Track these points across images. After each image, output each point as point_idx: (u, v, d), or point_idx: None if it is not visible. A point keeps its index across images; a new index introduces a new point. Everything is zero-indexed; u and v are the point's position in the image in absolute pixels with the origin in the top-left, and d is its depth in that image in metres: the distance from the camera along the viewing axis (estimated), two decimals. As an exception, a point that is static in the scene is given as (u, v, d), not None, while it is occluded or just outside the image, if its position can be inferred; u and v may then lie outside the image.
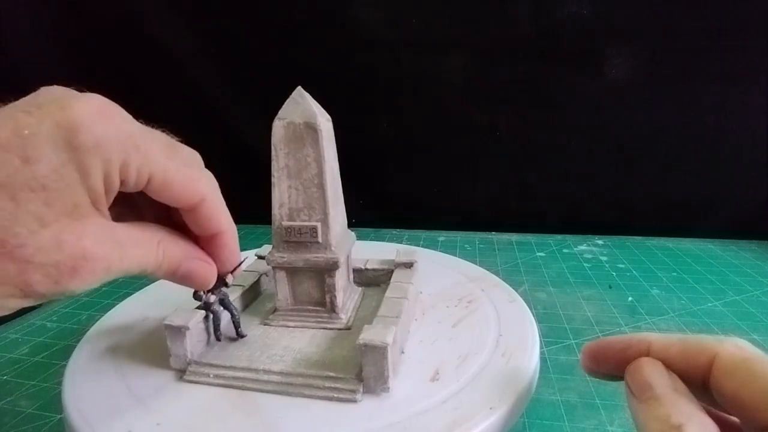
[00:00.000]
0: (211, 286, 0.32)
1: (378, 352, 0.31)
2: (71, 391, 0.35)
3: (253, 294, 0.46)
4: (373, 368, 0.32)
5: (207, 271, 0.31)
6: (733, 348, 0.21)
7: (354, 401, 0.31)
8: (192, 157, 0.28)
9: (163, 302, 0.40)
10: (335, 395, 0.32)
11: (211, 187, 0.29)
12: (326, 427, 0.30)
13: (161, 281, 0.54)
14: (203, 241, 0.31)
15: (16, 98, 0.22)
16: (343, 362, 0.34)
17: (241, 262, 0.41)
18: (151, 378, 0.35)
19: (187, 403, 0.33)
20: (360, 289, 0.46)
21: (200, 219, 0.28)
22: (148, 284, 0.54)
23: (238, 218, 1.01)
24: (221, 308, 0.38)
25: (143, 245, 0.26)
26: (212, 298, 0.37)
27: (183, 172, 0.26)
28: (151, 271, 0.27)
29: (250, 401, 0.32)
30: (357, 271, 0.47)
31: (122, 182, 0.23)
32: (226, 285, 0.37)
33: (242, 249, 0.62)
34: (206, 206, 0.28)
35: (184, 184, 0.26)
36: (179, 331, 0.35)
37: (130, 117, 0.24)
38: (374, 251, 0.49)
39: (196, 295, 0.36)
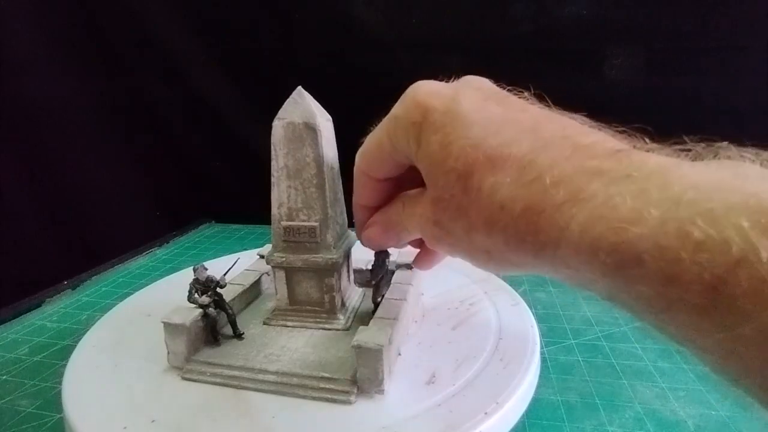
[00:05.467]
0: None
1: (372, 354, 0.31)
2: (70, 390, 0.35)
3: (254, 293, 0.46)
4: (367, 370, 0.32)
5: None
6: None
7: (348, 403, 0.31)
8: None
9: (161, 302, 0.40)
10: (329, 396, 0.32)
11: None
12: (319, 428, 0.30)
13: (159, 282, 0.54)
14: None
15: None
16: (338, 363, 0.34)
17: (235, 263, 0.41)
18: (149, 376, 0.36)
19: (183, 401, 0.33)
20: (361, 290, 0.46)
21: None
22: (147, 285, 0.54)
23: (238, 218, 1.00)
24: (217, 310, 0.38)
25: None
26: (206, 300, 0.37)
27: None
28: None
29: (245, 400, 0.32)
30: (358, 272, 0.46)
31: None
32: (220, 286, 0.38)
33: (242, 249, 0.63)
34: None
35: None
36: (177, 329, 0.35)
37: None
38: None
39: (191, 299, 0.37)
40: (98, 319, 0.46)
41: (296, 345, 0.37)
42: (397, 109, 0.26)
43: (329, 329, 0.39)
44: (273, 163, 0.38)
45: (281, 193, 0.38)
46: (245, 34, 0.85)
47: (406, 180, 0.29)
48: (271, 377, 0.33)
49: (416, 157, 0.25)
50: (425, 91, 0.24)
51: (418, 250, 0.38)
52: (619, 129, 0.21)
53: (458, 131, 0.22)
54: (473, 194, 0.21)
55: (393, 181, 0.30)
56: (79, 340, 0.42)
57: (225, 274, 0.38)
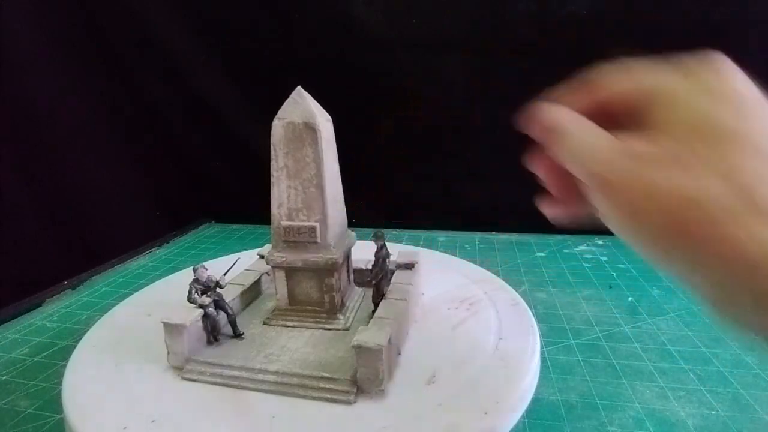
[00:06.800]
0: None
1: (372, 354, 0.31)
2: (70, 390, 0.35)
3: (254, 293, 0.46)
4: (367, 370, 0.32)
5: None
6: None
7: (348, 403, 0.31)
8: None
9: (161, 303, 0.40)
10: (329, 396, 0.32)
11: None
12: (319, 428, 0.30)
13: (158, 282, 0.54)
14: None
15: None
16: (338, 363, 0.34)
17: (235, 263, 0.41)
18: (149, 376, 0.36)
19: (183, 401, 0.33)
20: (361, 289, 0.46)
21: None
22: (147, 285, 0.54)
23: (238, 218, 1.00)
24: (217, 310, 0.38)
25: None
26: (206, 300, 0.37)
27: None
28: None
29: (245, 400, 0.32)
30: (358, 272, 0.47)
31: None
32: (220, 286, 0.38)
33: (242, 249, 0.63)
34: None
35: None
36: (177, 329, 0.35)
37: None
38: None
39: (191, 299, 0.37)
40: (98, 319, 0.46)
41: (296, 345, 0.37)
42: (695, 66, 0.22)
43: (329, 329, 0.39)
44: (273, 163, 0.38)
45: (281, 193, 0.38)
46: (245, 34, 0.85)
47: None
48: (271, 377, 0.33)
49: (673, 103, 0.21)
50: (740, 77, 0.21)
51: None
52: None
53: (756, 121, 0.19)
54: (723, 165, 0.18)
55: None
56: (79, 340, 0.42)
57: (225, 274, 0.38)
